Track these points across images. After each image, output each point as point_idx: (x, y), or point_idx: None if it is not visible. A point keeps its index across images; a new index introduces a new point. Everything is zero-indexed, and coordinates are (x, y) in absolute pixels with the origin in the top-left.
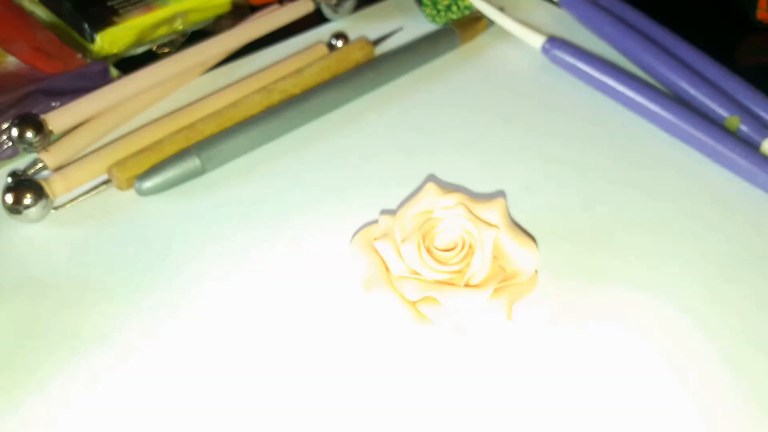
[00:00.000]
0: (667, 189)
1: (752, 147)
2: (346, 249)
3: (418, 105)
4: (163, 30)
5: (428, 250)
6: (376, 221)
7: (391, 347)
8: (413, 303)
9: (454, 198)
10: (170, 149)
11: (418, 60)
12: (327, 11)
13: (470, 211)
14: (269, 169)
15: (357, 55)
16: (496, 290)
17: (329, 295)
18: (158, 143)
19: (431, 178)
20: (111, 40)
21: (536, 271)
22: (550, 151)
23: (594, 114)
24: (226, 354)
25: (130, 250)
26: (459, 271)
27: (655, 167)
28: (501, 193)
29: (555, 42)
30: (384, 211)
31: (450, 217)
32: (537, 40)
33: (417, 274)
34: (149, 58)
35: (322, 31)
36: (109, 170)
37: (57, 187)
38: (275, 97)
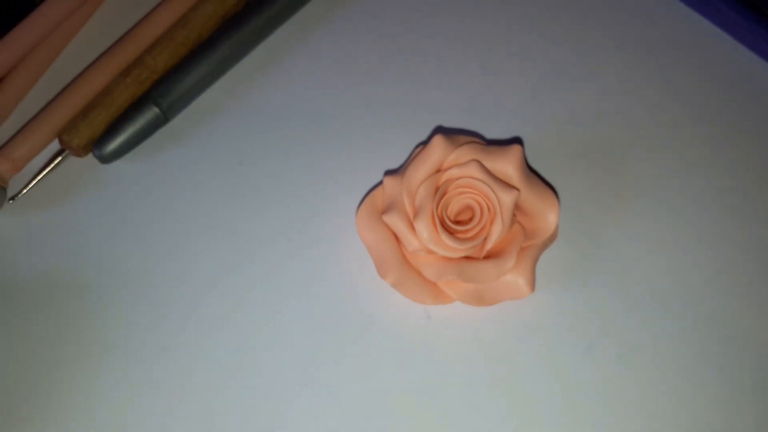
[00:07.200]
0: (697, 84)
1: None
2: (349, 192)
3: None
4: None
5: (443, 224)
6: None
7: (414, 329)
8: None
9: (466, 152)
10: (122, 99)
11: None
12: None
13: (485, 170)
14: (239, 101)
15: None
16: (518, 255)
17: (331, 263)
18: (108, 93)
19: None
20: None
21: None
22: (551, 47)
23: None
24: (219, 333)
25: (108, 230)
26: (479, 245)
27: (682, 55)
28: (516, 139)
29: None
30: (388, 172)
31: (464, 178)
32: None
33: (433, 252)
34: None
35: None
36: (60, 138)
37: (4, 171)
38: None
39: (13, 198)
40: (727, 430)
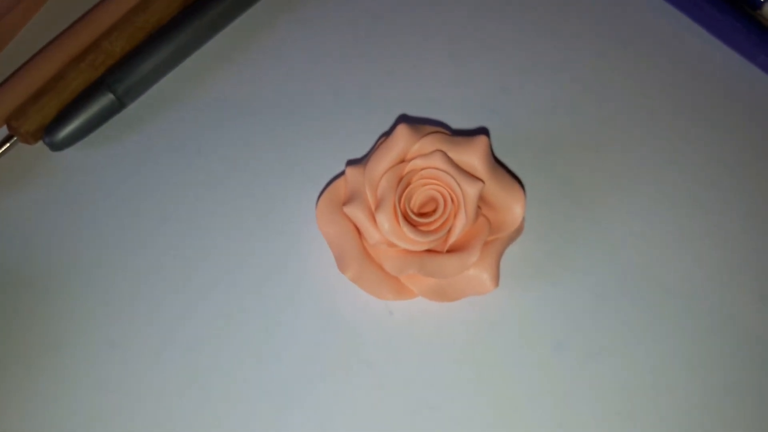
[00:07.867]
0: (672, 77)
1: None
2: (309, 184)
3: None
4: None
5: (405, 216)
6: (340, 169)
7: (375, 323)
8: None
9: (430, 142)
10: (76, 83)
11: None
12: None
13: (449, 161)
14: (199, 89)
15: None
16: (482, 249)
17: (291, 257)
18: (60, 77)
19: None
20: None
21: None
22: (522, 37)
23: None
24: (172, 328)
25: (58, 221)
26: (442, 238)
27: (657, 48)
28: (483, 130)
29: None
30: (350, 162)
31: (427, 169)
32: None
33: (395, 245)
34: None
35: None
36: (8, 123)
37: None
38: None
39: None
40: (699, 429)
